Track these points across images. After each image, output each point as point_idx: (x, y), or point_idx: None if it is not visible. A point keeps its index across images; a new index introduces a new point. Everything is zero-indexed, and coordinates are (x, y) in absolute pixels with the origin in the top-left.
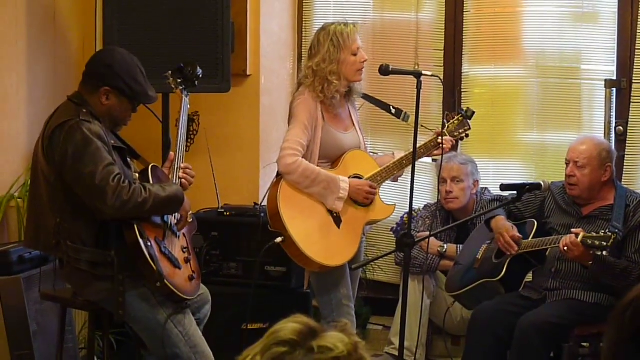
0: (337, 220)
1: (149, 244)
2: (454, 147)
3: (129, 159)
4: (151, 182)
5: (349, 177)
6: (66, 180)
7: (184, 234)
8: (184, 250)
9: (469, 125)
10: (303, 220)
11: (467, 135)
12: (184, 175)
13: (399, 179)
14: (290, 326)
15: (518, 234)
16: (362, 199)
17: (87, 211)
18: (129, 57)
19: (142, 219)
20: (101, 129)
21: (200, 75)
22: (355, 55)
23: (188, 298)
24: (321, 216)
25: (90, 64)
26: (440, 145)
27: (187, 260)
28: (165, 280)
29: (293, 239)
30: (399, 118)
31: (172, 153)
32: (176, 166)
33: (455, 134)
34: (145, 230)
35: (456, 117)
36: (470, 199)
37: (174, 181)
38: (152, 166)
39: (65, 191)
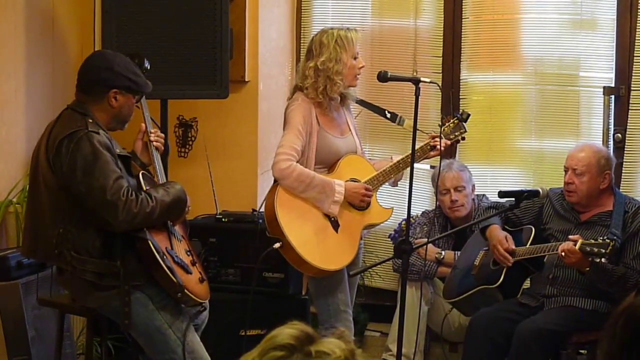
0: (335, 224)
1: (165, 257)
2: (452, 153)
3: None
4: (144, 188)
5: (345, 181)
6: (75, 192)
7: (183, 236)
8: (188, 253)
9: (465, 128)
10: (301, 225)
11: (463, 138)
12: (156, 138)
13: (398, 183)
14: (287, 331)
15: (512, 246)
16: (358, 202)
17: (93, 222)
18: (119, 54)
19: (149, 228)
20: (107, 139)
21: (149, 68)
22: (355, 59)
23: (203, 301)
24: (319, 221)
25: (88, 73)
26: (438, 147)
27: (193, 263)
28: (185, 290)
29: (291, 244)
30: (394, 122)
31: (142, 124)
32: (149, 135)
33: (451, 136)
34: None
35: (451, 120)
36: (470, 205)
37: (151, 150)
38: (142, 173)
39: (69, 202)
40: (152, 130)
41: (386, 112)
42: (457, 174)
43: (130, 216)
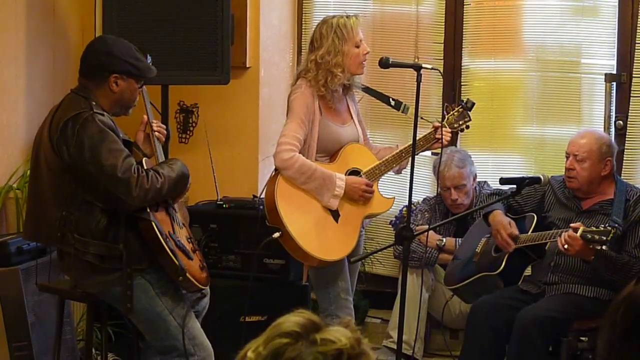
0: (335, 214)
1: (167, 240)
2: (453, 140)
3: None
4: None
5: (347, 171)
6: (84, 173)
7: (184, 224)
8: (189, 240)
9: (469, 117)
10: (301, 215)
11: (467, 127)
12: (158, 128)
13: (402, 170)
14: (293, 319)
15: (515, 231)
16: (358, 197)
17: (96, 204)
18: (120, 39)
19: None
20: (111, 122)
21: (151, 63)
22: (357, 47)
23: (204, 288)
24: (319, 211)
25: (88, 57)
26: (440, 138)
27: (194, 250)
28: (187, 274)
29: (291, 234)
30: (398, 110)
31: (145, 116)
32: (151, 125)
33: (455, 125)
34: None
35: (456, 109)
36: (471, 198)
37: (154, 141)
38: (145, 160)
39: (72, 184)
40: (154, 121)
41: (390, 99)
42: (457, 172)
43: (143, 192)
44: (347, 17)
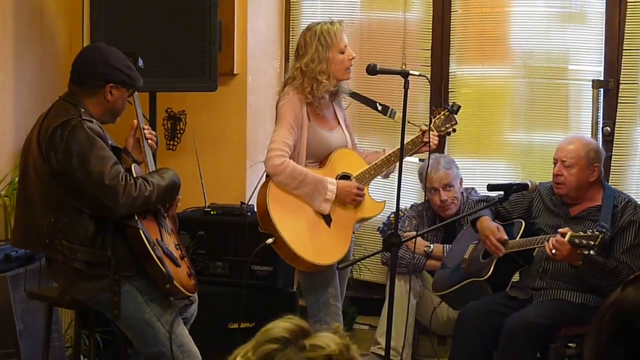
0: (327, 219)
1: (155, 247)
2: (441, 145)
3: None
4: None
5: (337, 176)
6: (71, 180)
7: (172, 230)
8: (177, 247)
9: (455, 120)
10: (293, 220)
11: (454, 130)
12: (150, 135)
13: (390, 175)
14: (282, 325)
15: (504, 236)
16: (350, 201)
17: (84, 210)
18: (112, 48)
19: (141, 219)
20: (100, 129)
21: (142, 67)
22: (342, 53)
23: (191, 295)
24: (311, 215)
25: (84, 66)
26: (428, 142)
27: (181, 257)
28: (174, 282)
29: (284, 239)
30: (385, 115)
31: (135, 121)
32: (142, 131)
33: (442, 128)
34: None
35: (442, 112)
36: (460, 200)
37: (144, 146)
38: (134, 165)
39: (61, 191)
40: (145, 127)
41: (377, 104)
42: (445, 172)
43: (130, 200)
44: (331, 23)
